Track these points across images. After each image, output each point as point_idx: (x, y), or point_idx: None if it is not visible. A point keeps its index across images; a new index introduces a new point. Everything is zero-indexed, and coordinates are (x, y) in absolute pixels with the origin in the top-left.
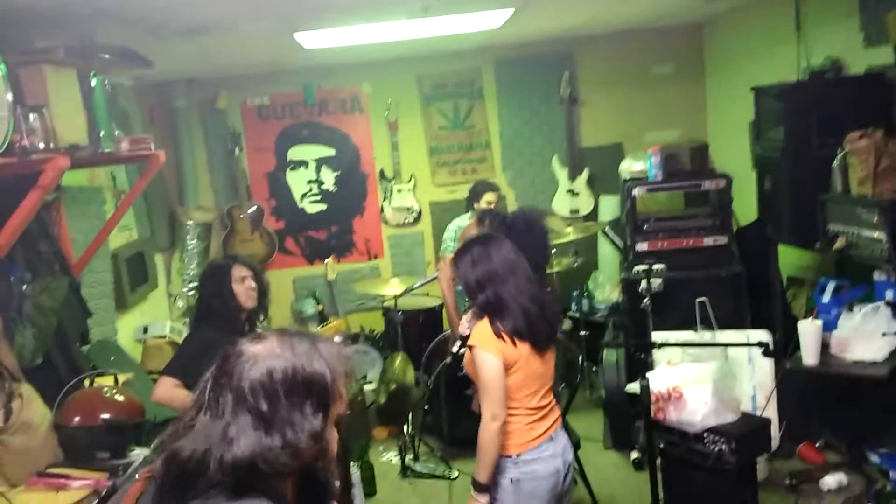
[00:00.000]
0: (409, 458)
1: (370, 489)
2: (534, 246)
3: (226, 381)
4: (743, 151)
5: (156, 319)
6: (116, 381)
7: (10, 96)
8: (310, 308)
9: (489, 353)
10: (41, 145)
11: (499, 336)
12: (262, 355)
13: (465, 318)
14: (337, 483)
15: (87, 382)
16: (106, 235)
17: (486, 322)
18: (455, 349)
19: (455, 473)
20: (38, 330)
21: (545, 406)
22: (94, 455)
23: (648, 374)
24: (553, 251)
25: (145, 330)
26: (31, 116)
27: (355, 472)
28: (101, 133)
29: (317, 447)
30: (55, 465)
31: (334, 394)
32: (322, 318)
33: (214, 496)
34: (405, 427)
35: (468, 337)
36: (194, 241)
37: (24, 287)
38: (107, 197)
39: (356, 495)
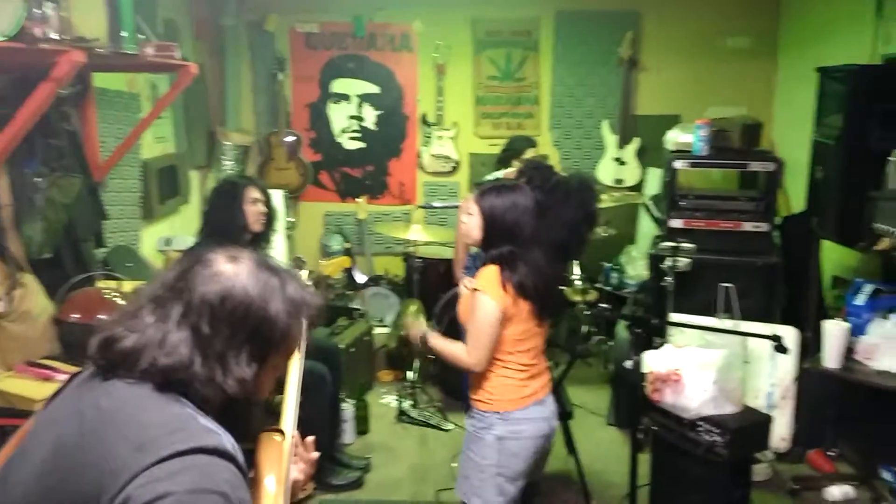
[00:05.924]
0: (408, 403)
1: (363, 427)
2: (568, 223)
3: (182, 286)
4: (808, 138)
5: (184, 234)
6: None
7: None
8: (336, 244)
9: (491, 298)
10: (54, 35)
11: (503, 287)
12: (226, 276)
13: (466, 281)
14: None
15: (96, 284)
16: (133, 141)
17: (494, 269)
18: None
19: (450, 426)
20: (48, 224)
21: (537, 365)
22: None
23: (646, 353)
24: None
25: (167, 242)
26: (47, 4)
27: (349, 408)
28: (124, 35)
29: (242, 391)
30: (50, 357)
31: (279, 344)
32: (348, 255)
33: (140, 383)
34: (409, 373)
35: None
36: (231, 162)
37: (38, 180)
38: (144, 105)
39: (346, 430)
